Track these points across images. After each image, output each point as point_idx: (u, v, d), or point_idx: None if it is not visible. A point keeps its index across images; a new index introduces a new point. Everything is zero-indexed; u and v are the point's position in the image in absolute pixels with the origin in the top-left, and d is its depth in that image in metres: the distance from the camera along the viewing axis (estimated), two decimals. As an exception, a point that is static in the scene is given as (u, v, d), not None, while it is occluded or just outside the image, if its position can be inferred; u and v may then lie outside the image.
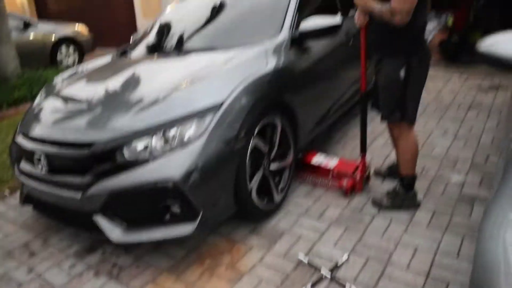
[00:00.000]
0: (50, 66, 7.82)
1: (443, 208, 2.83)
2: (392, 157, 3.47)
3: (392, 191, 2.88)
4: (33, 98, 5.99)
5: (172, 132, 2.33)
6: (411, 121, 2.69)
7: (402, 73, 2.56)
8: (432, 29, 7.27)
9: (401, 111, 2.65)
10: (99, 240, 2.76)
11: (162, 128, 2.34)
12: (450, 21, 7.54)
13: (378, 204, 2.87)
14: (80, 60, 8.63)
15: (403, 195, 2.83)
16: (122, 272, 2.49)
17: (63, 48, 8.40)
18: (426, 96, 5.17)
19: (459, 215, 2.74)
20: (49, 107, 2.90)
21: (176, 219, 2.36)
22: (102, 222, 2.38)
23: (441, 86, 5.57)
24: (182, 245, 2.67)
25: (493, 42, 2.11)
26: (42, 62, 7.86)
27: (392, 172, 3.22)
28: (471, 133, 4.02)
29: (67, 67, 7.97)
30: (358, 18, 2.67)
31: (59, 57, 8.31)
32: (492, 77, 5.80)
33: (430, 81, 5.69)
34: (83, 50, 8.74)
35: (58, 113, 2.79)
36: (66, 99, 2.96)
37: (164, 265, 2.51)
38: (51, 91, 3.20)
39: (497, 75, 5.77)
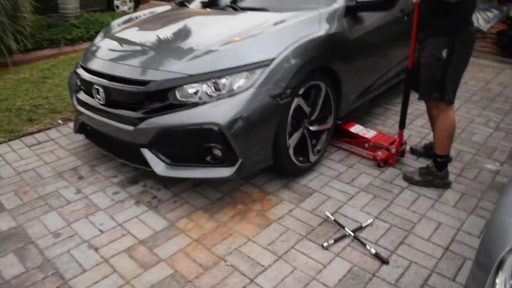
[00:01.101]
0: (106, 11, 8.06)
1: (472, 192, 2.89)
2: (430, 137, 3.51)
3: (424, 168, 2.95)
4: (89, 38, 6.27)
5: (223, 81, 2.48)
6: (450, 101, 2.73)
7: (444, 52, 2.60)
8: (492, 18, 7.06)
9: (440, 90, 2.69)
10: (142, 174, 2.99)
11: (213, 76, 2.48)
12: (511, 12, 7.28)
13: (409, 179, 2.96)
14: (136, 7, 8.83)
15: (435, 173, 2.90)
16: (160, 204, 2.70)
17: (120, -5, 8.64)
18: (474, 84, 5.11)
19: (487, 200, 2.79)
20: (108, 46, 3.08)
21: (217, 162, 2.54)
22: (149, 155, 2.58)
23: (491, 77, 5.47)
24: (217, 188, 2.85)
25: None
26: (100, 6, 8.11)
27: (427, 151, 3.28)
28: (514, 125, 4.00)
29: (123, 13, 8.19)
30: None
31: (115, 3, 8.54)
32: (546, 75, 5.63)
33: (480, 71, 5.63)
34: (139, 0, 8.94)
35: (117, 52, 2.97)
36: (124, 41, 3.12)
37: (199, 204, 2.71)
38: (110, 33, 3.38)
39: (552, 73, 5.60)
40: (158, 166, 2.57)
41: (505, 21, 7.05)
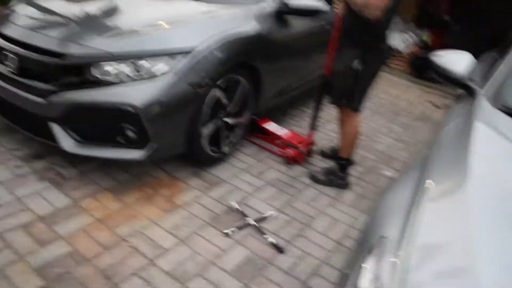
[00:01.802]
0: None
1: (368, 194, 3.13)
2: (337, 141, 3.74)
3: (328, 169, 3.16)
4: (5, 2, 5.86)
5: (142, 63, 2.47)
6: (356, 108, 2.94)
7: (356, 63, 2.78)
8: (408, 39, 7.60)
9: (349, 98, 2.89)
10: (48, 150, 2.87)
11: (134, 56, 2.46)
12: (426, 36, 7.89)
13: (313, 177, 3.14)
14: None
15: (337, 174, 3.11)
16: (65, 182, 2.63)
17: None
18: (385, 98, 5.50)
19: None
20: (26, 13, 2.92)
21: (128, 144, 2.52)
22: (58, 130, 2.50)
23: (400, 93, 5.92)
24: (126, 170, 2.84)
25: (443, 55, 2.38)
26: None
27: (334, 153, 3.49)
28: (413, 139, 4.37)
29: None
30: (336, 3, 2.87)
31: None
32: (447, 98, 6.18)
33: (392, 86, 6.06)
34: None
35: (35, 20, 2.83)
36: (44, 9, 2.98)
37: (106, 184, 2.68)
38: (29, -1, 3.22)
39: (452, 97, 6.16)
40: (67, 142, 2.51)
41: (419, 45, 7.63)
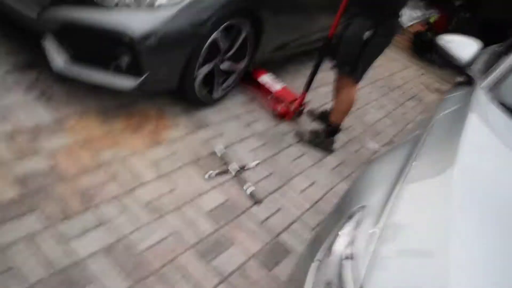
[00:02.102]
0: None
1: (350, 162, 3.19)
2: (328, 106, 3.75)
3: (315, 131, 3.18)
4: None
5: (145, -9, 2.38)
6: (357, 78, 2.94)
7: (366, 34, 2.76)
8: (415, 17, 7.52)
9: (352, 67, 2.88)
10: (41, 61, 2.79)
11: (138, -17, 2.37)
12: (433, 18, 7.81)
13: (299, 136, 3.17)
14: None
15: (324, 138, 3.14)
16: (52, 97, 2.57)
17: None
18: (381, 72, 5.47)
19: (359, 172, 3.10)
20: None
21: (120, 72, 2.46)
22: (49, 46, 2.41)
23: (397, 70, 5.89)
24: (115, 97, 2.78)
25: (451, 39, 2.36)
26: None
27: (322, 117, 3.51)
28: (402, 117, 4.40)
29: None
30: None
31: None
32: (442, 84, 6.21)
33: (390, 62, 6.01)
34: None
35: None
36: None
37: (94, 107, 2.63)
38: None
39: (446, 84, 6.19)
40: (57, 60, 2.39)
41: (425, 24, 7.56)
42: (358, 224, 1.27)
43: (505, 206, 1.36)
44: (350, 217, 1.33)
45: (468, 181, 1.41)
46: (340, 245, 1.23)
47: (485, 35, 6.40)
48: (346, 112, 3.07)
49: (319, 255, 1.30)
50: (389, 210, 1.27)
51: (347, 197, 1.59)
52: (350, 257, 1.16)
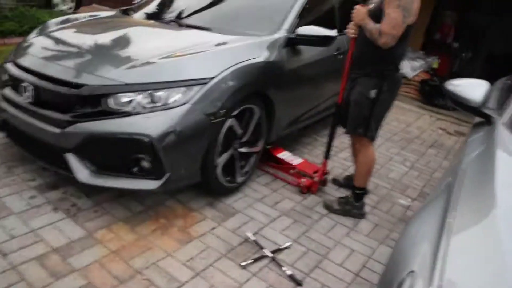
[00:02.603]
0: (44, 8, 7.77)
1: (384, 224, 3.08)
2: (351, 170, 3.71)
3: (343, 198, 3.12)
4: (22, 33, 6.00)
5: (159, 93, 2.48)
6: (372, 137, 2.93)
7: (373, 93, 2.79)
8: (418, 67, 7.64)
9: (365, 127, 2.88)
10: (63, 180, 2.88)
11: (150, 87, 2.48)
12: (436, 64, 7.94)
13: (328, 207, 3.10)
14: (76, 8, 8.57)
15: (353, 203, 3.07)
16: (79, 213, 2.62)
17: (61, -7, 8.37)
18: (396, 125, 5.48)
19: (397, 232, 2.99)
20: (43, 44, 2.99)
21: (143, 174, 2.52)
22: (73, 160, 2.50)
23: (412, 121, 5.89)
24: (141, 201, 2.82)
25: (459, 83, 2.37)
26: (38, 1, 7.81)
27: (348, 182, 3.46)
28: (427, 167, 4.32)
29: (61, 12, 7.92)
30: (350, 28, 2.88)
31: (55, 0, 8.25)
32: (459, 125, 6.16)
33: (402, 114, 6.04)
34: (81, 1, 8.68)
35: (51, 51, 2.89)
36: (60, 41, 3.04)
37: (121, 215, 2.66)
38: (46, 31, 3.28)
39: (464, 124, 6.14)
40: (82, 173, 2.50)
41: (429, 71, 7.67)
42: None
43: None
44: (400, 284, 1.26)
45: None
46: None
47: (490, 71, 6.48)
48: (368, 173, 3.02)
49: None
50: (439, 270, 1.20)
51: (392, 263, 1.51)
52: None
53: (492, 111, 2.28)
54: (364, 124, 2.87)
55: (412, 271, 1.26)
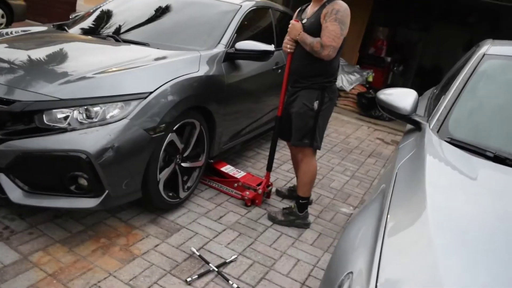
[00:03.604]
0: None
1: (328, 232, 3.15)
2: (294, 181, 3.77)
3: (287, 209, 3.16)
4: None
5: (96, 109, 2.42)
6: (317, 147, 3.00)
7: (316, 104, 2.88)
8: (354, 81, 7.94)
9: (311, 137, 2.95)
10: (-6, 203, 2.72)
11: (86, 103, 2.41)
12: (371, 77, 8.29)
13: (273, 218, 3.13)
14: (8, 25, 8.20)
15: (297, 214, 3.11)
16: (13, 235, 2.48)
17: (-8, 9, 7.98)
18: (336, 137, 5.64)
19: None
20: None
21: (81, 192, 2.43)
22: (4, 180, 2.36)
23: (350, 132, 6.10)
24: (80, 221, 2.71)
25: (391, 92, 2.49)
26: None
27: (291, 194, 3.52)
28: (366, 175, 4.48)
29: (-8, 30, 7.55)
30: (286, 43, 2.96)
31: (-15, 16, 7.87)
32: (396, 134, 6.45)
33: (342, 126, 6.24)
34: (13, 17, 8.31)
35: (-21, 67, 2.75)
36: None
37: (58, 236, 2.54)
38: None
39: (399, 133, 6.43)
40: (14, 193, 2.37)
41: (365, 84, 7.99)
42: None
43: (486, 235, 1.37)
44: (340, 286, 1.29)
45: (444, 220, 1.41)
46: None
47: (421, 82, 6.87)
48: (311, 182, 3.09)
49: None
50: (376, 270, 1.24)
51: (331, 267, 1.54)
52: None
53: (421, 118, 2.40)
54: (309, 135, 2.95)
55: (351, 272, 1.30)
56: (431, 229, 1.37)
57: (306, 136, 2.97)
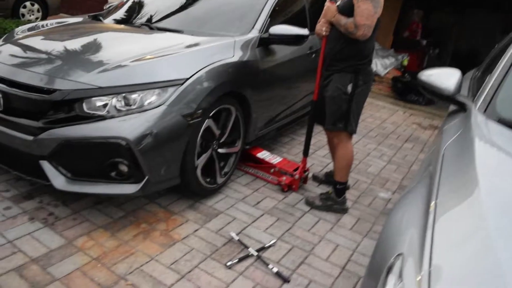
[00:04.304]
0: (11, 18, 7.58)
1: (367, 217, 3.10)
2: (330, 167, 3.73)
3: (325, 194, 3.12)
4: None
5: (134, 96, 2.44)
6: (352, 131, 2.95)
7: (349, 87, 2.83)
8: (389, 65, 7.77)
9: (345, 121, 2.90)
10: (38, 189, 2.80)
11: (124, 90, 2.44)
12: (406, 61, 8.09)
13: (310, 203, 3.10)
14: (44, 18, 8.40)
15: (334, 199, 3.07)
16: (57, 221, 2.54)
17: (28, 4, 8.17)
18: (372, 122, 5.54)
19: (379, 224, 3.01)
20: (10, 52, 2.89)
21: (122, 178, 2.47)
22: (48, 168, 2.43)
23: (386, 117, 5.97)
24: (120, 207, 2.76)
25: (432, 73, 2.40)
26: (4, 12, 7.62)
27: (327, 179, 3.47)
28: (404, 160, 4.38)
29: (29, 21, 7.74)
30: (321, 27, 2.90)
31: (21, 11, 8.07)
32: (433, 119, 6.28)
33: (377, 111, 6.12)
34: (48, 10, 8.52)
35: (20, 58, 2.80)
36: (29, 48, 2.96)
37: (101, 222, 2.59)
38: (13, 38, 3.19)
39: (436, 118, 6.26)
40: (58, 180, 2.43)
41: (400, 68, 7.81)
42: (400, 275, 1.18)
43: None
44: (389, 270, 1.25)
45: (498, 203, 1.35)
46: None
47: (457, 65, 6.64)
48: (348, 167, 3.04)
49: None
50: (429, 252, 1.19)
51: (378, 251, 1.50)
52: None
53: (466, 98, 2.31)
54: (343, 119, 2.89)
55: (401, 254, 1.26)
56: (485, 211, 1.31)
57: (340, 120, 2.92)
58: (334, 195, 3.09)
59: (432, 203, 1.40)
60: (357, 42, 2.73)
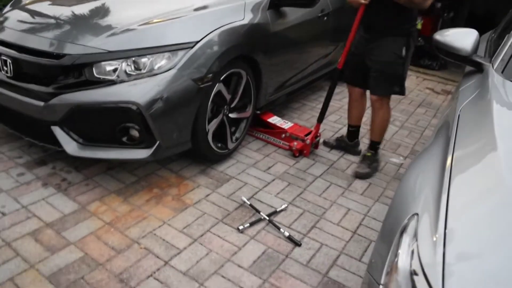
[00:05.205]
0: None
1: (378, 182, 3.08)
2: (341, 132, 3.70)
3: (368, 159, 3.18)
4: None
5: (143, 60, 2.41)
6: (404, 93, 3.02)
7: (404, 51, 2.83)
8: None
9: (400, 85, 2.94)
10: (51, 155, 2.82)
11: (134, 54, 2.40)
12: (419, 25, 7.88)
13: (364, 175, 3.10)
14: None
15: (376, 159, 3.21)
16: (70, 187, 2.57)
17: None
18: (383, 87, 5.45)
19: (391, 189, 2.99)
20: (18, 17, 2.85)
21: (133, 143, 2.46)
22: (60, 133, 2.43)
23: (399, 82, 5.87)
24: (132, 172, 2.77)
25: (448, 33, 2.33)
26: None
27: (339, 144, 3.45)
28: (416, 125, 4.32)
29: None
30: None
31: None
32: (446, 84, 6.16)
33: (390, 75, 5.99)
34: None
35: (28, 23, 2.77)
36: (37, 13, 2.91)
37: (113, 187, 2.61)
38: (20, 4, 3.15)
39: (450, 83, 6.14)
40: (70, 145, 2.44)
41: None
42: (415, 235, 1.17)
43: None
44: (403, 231, 1.24)
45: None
46: (405, 262, 1.12)
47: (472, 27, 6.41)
48: (387, 127, 3.19)
49: (383, 280, 1.19)
50: (444, 212, 1.17)
51: (392, 213, 1.49)
52: (419, 272, 1.06)
53: (483, 59, 2.25)
54: (399, 83, 2.94)
55: (415, 214, 1.24)
56: (504, 172, 1.29)
57: (396, 84, 2.94)
58: (376, 155, 3.21)
59: (448, 164, 1.38)
60: (409, 9, 2.71)
